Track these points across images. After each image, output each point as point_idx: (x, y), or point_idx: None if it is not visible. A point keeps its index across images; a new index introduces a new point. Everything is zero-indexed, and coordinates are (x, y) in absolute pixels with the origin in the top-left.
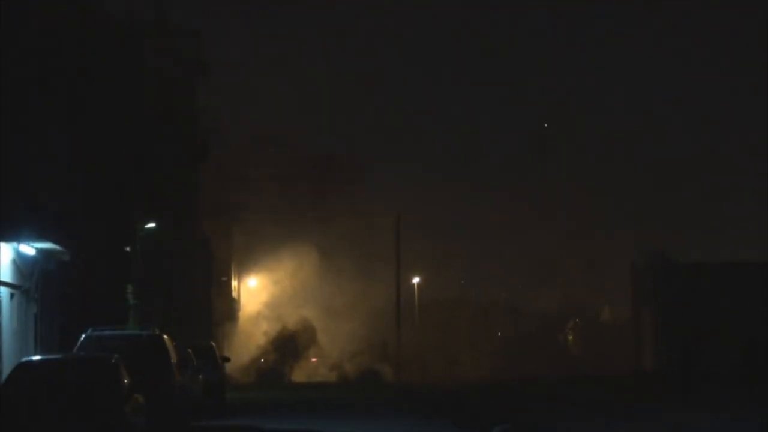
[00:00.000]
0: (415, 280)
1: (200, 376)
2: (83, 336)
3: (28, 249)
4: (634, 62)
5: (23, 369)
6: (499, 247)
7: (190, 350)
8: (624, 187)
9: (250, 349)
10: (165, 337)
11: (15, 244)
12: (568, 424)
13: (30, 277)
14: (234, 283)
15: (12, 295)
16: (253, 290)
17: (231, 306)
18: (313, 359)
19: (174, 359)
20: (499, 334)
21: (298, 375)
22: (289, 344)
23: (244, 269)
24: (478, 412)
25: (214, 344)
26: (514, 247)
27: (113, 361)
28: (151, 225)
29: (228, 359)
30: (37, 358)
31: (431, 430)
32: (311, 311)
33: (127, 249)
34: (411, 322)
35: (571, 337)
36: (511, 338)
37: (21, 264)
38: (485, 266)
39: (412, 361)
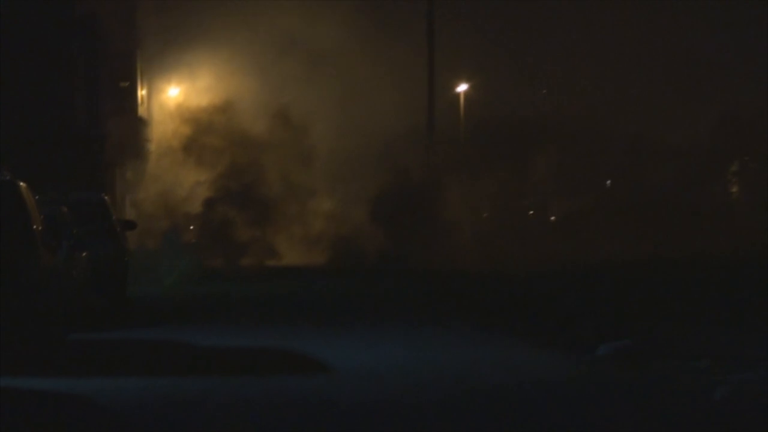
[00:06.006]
0: (462, 87)
1: (84, 255)
2: None
3: None
4: None
5: None
6: (609, 46)
7: (65, 209)
8: None
9: (173, 206)
10: (21, 185)
11: None
12: (725, 344)
13: None
14: (141, 93)
15: None
16: (176, 104)
17: (136, 132)
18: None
19: (37, 224)
20: (608, 183)
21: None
22: (251, 194)
23: (158, 69)
24: (569, 319)
25: (107, 198)
26: (636, 46)
27: None
28: None
29: (133, 225)
30: None
31: (489, 349)
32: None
33: None
34: (454, 159)
35: (735, 190)
36: (629, 190)
37: None
38: (585, 75)
39: (453, 223)
